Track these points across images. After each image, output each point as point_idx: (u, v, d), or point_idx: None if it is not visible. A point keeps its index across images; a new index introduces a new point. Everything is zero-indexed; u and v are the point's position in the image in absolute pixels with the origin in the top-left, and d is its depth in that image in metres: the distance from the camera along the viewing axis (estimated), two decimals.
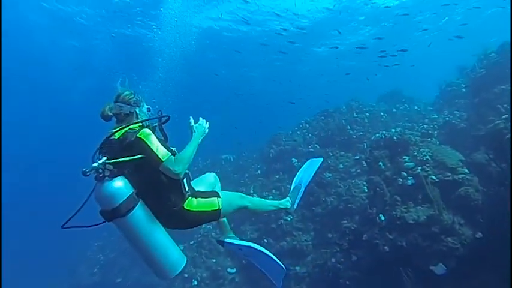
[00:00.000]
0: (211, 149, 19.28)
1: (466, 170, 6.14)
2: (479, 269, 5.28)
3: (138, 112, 2.85)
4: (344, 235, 7.07)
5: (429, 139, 7.29)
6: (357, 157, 11.16)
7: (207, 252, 10.00)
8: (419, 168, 6.35)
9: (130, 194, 2.41)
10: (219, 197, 2.94)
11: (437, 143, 7.34)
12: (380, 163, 7.16)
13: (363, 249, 6.54)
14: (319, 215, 9.91)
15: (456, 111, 9.75)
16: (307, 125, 13.46)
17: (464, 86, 10.74)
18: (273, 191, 10.62)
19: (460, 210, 5.74)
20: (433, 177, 6.06)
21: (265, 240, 9.49)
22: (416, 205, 5.98)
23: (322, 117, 13.36)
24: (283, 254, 9.23)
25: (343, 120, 12.62)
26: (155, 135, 2.62)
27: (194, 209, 2.73)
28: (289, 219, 9.79)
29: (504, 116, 5.52)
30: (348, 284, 6.92)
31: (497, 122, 5.56)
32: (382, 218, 6.27)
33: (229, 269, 9.61)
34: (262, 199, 3.65)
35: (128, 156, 2.46)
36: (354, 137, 11.90)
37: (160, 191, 2.60)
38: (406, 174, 6.47)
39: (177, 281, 10.71)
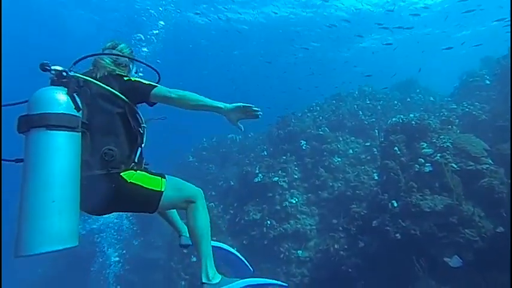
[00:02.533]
0: (217, 128, 19.01)
1: (490, 161, 5.77)
2: (497, 264, 4.98)
3: (130, 68, 2.56)
4: (353, 220, 6.77)
5: (449, 127, 6.88)
6: (368, 144, 10.80)
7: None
8: (439, 155, 5.98)
9: (73, 113, 1.90)
10: (164, 178, 2.35)
11: (458, 132, 6.92)
12: (396, 148, 6.79)
13: (372, 236, 6.24)
14: (325, 200, 9.64)
15: (477, 103, 9.27)
16: (318, 108, 13.03)
17: (488, 77, 10.21)
18: (280, 171, 10.29)
19: (481, 202, 5.39)
20: (454, 165, 5.70)
21: (268, 222, 9.24)
22: (433, 193, 5.64)
23: (334, 101, 12.93)
24: (286, 236, 9.01)
25: (355, 106, 12.19)
26: None
27: (131, 180, 2.14)
28: (294, 201, 9.51)
29: None
30: (350, 271, 6.68)
31: None
32: (395, 204, 5.95)
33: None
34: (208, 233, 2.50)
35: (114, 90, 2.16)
36: (365, 123, 11.48)
37: (107, 141, 2.12)
38: (423, 161, 6.10)
39: (176, 255, 10.58)
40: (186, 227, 2.81)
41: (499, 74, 8.95)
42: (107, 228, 12.77)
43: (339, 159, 10.29)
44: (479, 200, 5.40)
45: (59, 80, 1.94)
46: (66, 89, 1.93)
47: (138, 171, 2.25)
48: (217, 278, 2.40)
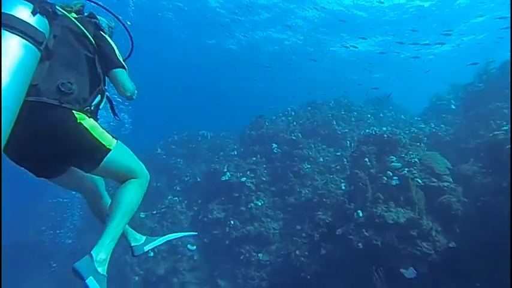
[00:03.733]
0: (189, 124, 18.70)
1: (451, 179, 6.08)
2: (448, 278, 5.24)
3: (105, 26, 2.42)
4: (317, 227, 6.86)
5: (418, 143, 7.19)
6: (339, 153, 11.03)
7: (169, 225, 9.56)
8: (406, 169, 6.21)
9: (39, 28, 1.73)
10: (117, 139, 2.20)
11: (425, 149, 7.25)
12: (366, 159, 6.98)
13: (335, 244, 6.35)
14: (292, 205, 9.71)
15: (443, 125, 9.80)
16: (292, 113, 13.19)
17: (454, 102, 10.83)
18: (248, 172, 10.26)
19: (439, 217, 5.66)
20: (419, 180, 5.94)
21: (232, 222, 9.16)
22: (397, 206, 5.84)
23: (309, 108, 13.13)
24: (249, 238, 8.97)
25: (330, 115, 12.44)
26: None
27: (84, 125, 1.96)
28: (259, 204, 9.51)
29: (504, 128, 5.43)
30: (309, 278, 6.76)
31: (497, 133, 5.46)
32: (361, 214, 6.09)
33: (189, 246, 9.23)
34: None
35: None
36: (338, 133, 11.75)
37: (68, 75, 1.95)
38: (391, 174, 6.31)
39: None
40: (137, 237, 2.63)
41: (464, 99, 9.52)
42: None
43: (309, 166, 10.43)
44: (438, 215, 5.67)
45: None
46: (39, 6, 1.77)
47: (91, 119, 2.07)
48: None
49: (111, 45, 2.23)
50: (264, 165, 10.81)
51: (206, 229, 9.52)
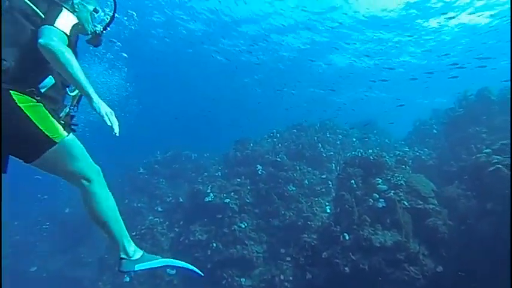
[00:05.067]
0: (174, 143, 18.43)
1: (436, 202, 6.09)
2: None
3: (76, 3, 2.30)
4: (302, 250, 6.66)
5: (403, 166, 7.23)
6: (324, 176, 11.00)
7: (148, 247, 9.14)
8: (392, 192, 6.19)
9: None
10: (68, 134, 2.00)
11: (410, 172, 7.30)
12: (352, 181, 6.94)
13: (320, 268, 6.16)
14: (276, 228, 9.49)
15: (426, 149, 9.97)
16: (278, 135, 13.20)
17: (436, 127, 11.10)
18: (232, 194, 10.05)
19: (426, 240, 5.60)
20: (405, 202, 5.91)
21: (214, 245, 8.85)
22: (384, 229, 5.77)
23: (295, 130, 13.19)
24: (231, 262, 8.65)
25: (316, 138, 12.51)
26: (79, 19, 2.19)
27: (21, 105, 1.80)
28: (243, 226, 9.26)
29: (486, 150, 5.52)
30: None
31: (479, 155, 5.54)
32: (347, 237, 5.98)
33: (168, 270, 8.80)
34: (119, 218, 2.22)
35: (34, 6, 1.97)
36: (324, 155, 11.77)
37: (5, 51, 1.83)
38: (378, 196, 6.27)
39: (106, 274, 9.68)
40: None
41: (446, 123, 9.76)
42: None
43: (294, 188, 10.31)
44: (424, 238, 5.61)
45: None
46: None
47: (40, 105, 1.90)
48: (138, 254, 2.28)
49: (54, 11, 2.00)
50: (248, 187, 10.63)
51: (187, 252, 9.15)
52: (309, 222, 8.84)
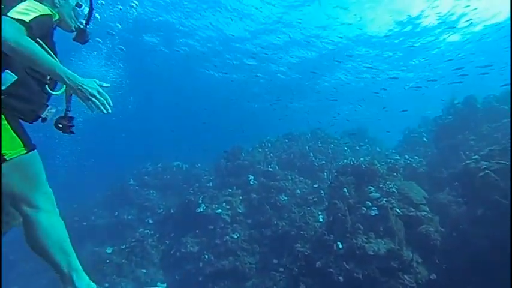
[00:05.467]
0: (164, 155, 18.24)
1: (428, 209, 6.09)
2: None
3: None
4: (296, 260, 6.57)
5: (395, 174, 7.24)
6: (316, 185, 10.97)
7: (139, 260, 8.91)
8: (385, 199, 6.18)
9: None
10: (29, 151, 1.85)
11: (402, 179, 7.31)
12: (345, 189, 6.91)
13: (314, 277, 6.06)
14: (268, 238, 9.37)
15: (416, 157, 10.04)
16: (269, 145, 13.18)
17: (425, 135, 11.22)
18: (224, 204, 9.94)
19: (419, 248, 5.58)
20: (398, 210, 5.90)
21: (206, 256, 8.68)
22: (377, 237, 5.73)
23: (286, 140, 13.20)
24: (224, 274, 8.48)
25: (307, 147, 12.52)
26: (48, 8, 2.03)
27: None
28: (235, 236, 9.13)
29: (474, 157, 5.57)
30: None
31: (468, 162, 5.58)
32: (340, 246, 5.91)
33: (159, 283, 8.59)
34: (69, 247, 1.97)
35: None
36: (315, 164, 11.76)
37: None
38: (370, 204, 6.25)
39: None
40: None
41: (435, 131, 9.88)
42: None
43: (286, 198, 10.25)
44: (417, 245, 5.59)
45: None
46: None
47: (2, 116, 1.73)
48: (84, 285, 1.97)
49: (15, 3, 1.84)
50: (240, 197, 10.53)
51: (178, 264, 8.95)
52: (301, 232, 8.74)
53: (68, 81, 1.82)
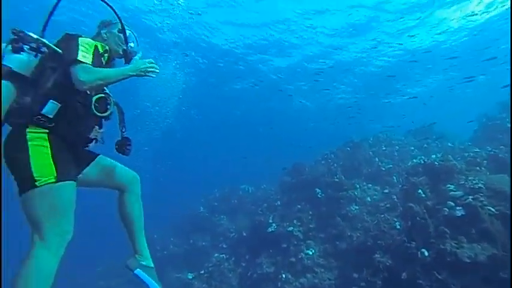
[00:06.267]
0: (230, 179, 18.61)
1: None
2: None
3: (103, 33, 2.61)
4: (377, 272, 5.95)
5: (477, 168, 6.31)
6: (387, 191, 10.11)
7: (218, 284, 8.92)
8: (471, 197, 5.35)
9: (4, 63, 1.99)
10: (59, 181, 1.94)
11: (488, 173, 6.33)
12: (420, 191, 6.19)
13: None
14: (344, 251, 8.75)
15: (502, 146, 8.71)
16: (332, 155, 12.60)
17: (508, 120, 9.76)
18: (294, 221, 9.60)
19: None
20: (491, 208, 5.04)
21: (283, 276, 8.35)
22: (471, 241, 4.92)
23: (348, 148, 12.52)
24: None
25: (371, 152, 11.73)
26: (100, 53, 2.34)
27: (27, 144, 1.94)
28: (310, 253, 8.69)
29: None
30: None
31: None
32: (426, 253, 5.21)
33: None
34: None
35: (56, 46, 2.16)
36: (382, 169, 10.92)
37: (34, 91, 2.04)
38: (453, 204, 5.46)
39: None
40: (145, 251, 2.54)
41: None
42: None
43: (357, 207, 9.58)
44: None
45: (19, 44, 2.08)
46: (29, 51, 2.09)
47: (47, 143, 1.98)
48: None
49: (73, 45, 2.15)
50: (310, 212, 10.10)
51: (257, 286, 8.74)
52: (379, 242, 8.00)
53: (134, 74, 2.26)
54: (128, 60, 2.57)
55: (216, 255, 10.71)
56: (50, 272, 1.88)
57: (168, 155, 26.47)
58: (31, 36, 2.10)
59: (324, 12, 13.64)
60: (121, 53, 2.59)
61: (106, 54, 2.44)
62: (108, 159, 2.51)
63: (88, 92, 2.18)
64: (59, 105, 2.05)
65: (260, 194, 15.37)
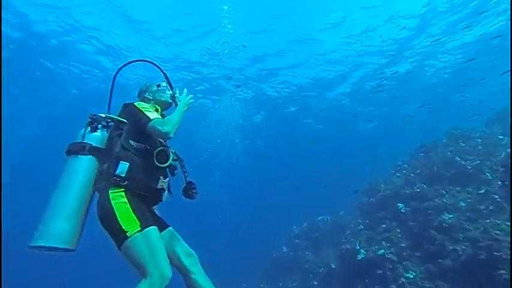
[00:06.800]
0: (305, 213, 18.01)
1: None
2: None
3: (146, 95, 2.99)
4: None
5: None
6: (482, 191, 8.80)
7: None
8: None
9: (84, 141, 2.44)
10: (142, 229, 2.22)
11: None
12: None
13: None
14: (451, 269, 7.57)
15: None
16: (405, 165, 11.59)
17: None
18: (383, 243, 8.73)
19: None
20: None
21: None
22: None
23: (422, 154, 11.43)
24: None
25: (449, 152, 10.53)
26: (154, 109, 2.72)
27: (112, 203, 2.26)
28: (411, 276, 7.70)
29: None
30: None
31: None
32: None
33: None
34: None
35: (119, 117, 2.59)
36: (469, 167, 9.63)
37: (108, 158, 2.43)
38: None
39: None
40: None
41: None
42: None
43: (451, 216, 8.43)
44: None
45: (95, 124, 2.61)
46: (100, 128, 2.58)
47: (125, 199, 2.27)
48: None
49: (135, 111, 2.56)
50: (398, 230, 9.15)
51: None
52: (495, 253, 6.78)
53: (186, 108, 2.73)
54: (176, 103, 2.90)
55: None
56: None
57: (243, 190, 26.68)
58: (101, 117, 2.58)
59: None
60: (170, 100, 2.95)
61: (159, 111, 2.84)
62: (177, 233, 2.68)
63: (148, 148, 2.49)
64: (128, 164, 2.36)
65: (340, 222, 14.55)
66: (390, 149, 20.48)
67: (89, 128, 2.50)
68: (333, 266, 10.56)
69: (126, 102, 2.68)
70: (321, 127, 21.95)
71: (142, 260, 2.14)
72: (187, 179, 2.76)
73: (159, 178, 2.54)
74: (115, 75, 2.77)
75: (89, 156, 2.39)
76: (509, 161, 6.24)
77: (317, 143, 23.40)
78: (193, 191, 2.71)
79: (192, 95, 2.88)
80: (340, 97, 18.91)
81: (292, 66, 16.13)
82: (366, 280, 8.31)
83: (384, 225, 9.45)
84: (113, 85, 2.79)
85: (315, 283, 10.96)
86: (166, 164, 2.52)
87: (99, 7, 11.77)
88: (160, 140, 2.62)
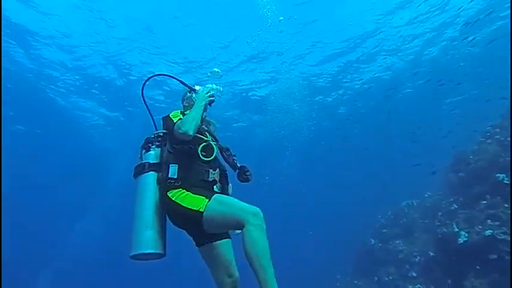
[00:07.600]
0: (388, 199, 16.46)
1: None
2: None
3: (184, 103, 3.13)
4: None
5: None
6: None
7: None
8: None
9: (143, 162, 2.64)
10: (210, 198, 2.34)
11: None
12: None
13: None
14: None
15: None
16: (497, 129, 9.79)
17: None
18: (488, 221, 7.34)
19: None
20: None
21: None
22: None
23: None
24: None
25: None
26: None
27: (174, 200, 2.42)
28: None
29: None
30: None
31: None
32: None
33: None
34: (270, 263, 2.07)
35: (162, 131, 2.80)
36: None
37: (160, 169, 2.60)
38: None
39: None
40: None
41: None
42: None
43: None
44: None
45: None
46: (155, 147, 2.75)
47: (184, 191, 2.42)
48: None
49: (167, 120, 2.76)
50: (505, 205, 7.65)
51: None
52: None
53: (205, 101, 2.79)
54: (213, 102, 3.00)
55: (410, 287, 8.99)
56: (260, 241, 2.10)
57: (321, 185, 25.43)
58: (151, 137, 2.77)
59: None
60: (212, 99, 2.96)
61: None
62: (231, 247, 2.69)
63: (191, 147, 2.58)
64: (177, 165, 2.52)
65: (429, 204, 12.91)
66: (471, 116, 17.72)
67: (144, 150, 2.71)
68: (431, 254, 9.30)
69: (164, 115, 2.85)
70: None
71: (229, 215, 2.25)
72: (237, 164, 2.84)
73: (209, 171, 2.60)
74: (143, 97, 2.95)
75: (150, 172, 2.60)
76: None
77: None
78: (247, 173, 2.79)
79: (211, 86, 2.90)
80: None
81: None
82: (478, 267, 7.04)
83: (484, 202, 8.00)
84: (146, 105, 2.90)
85: (414, 274, 9.78)
86: (211, 158, 2.62)
87: None
88: (199, 135, 2.67)
